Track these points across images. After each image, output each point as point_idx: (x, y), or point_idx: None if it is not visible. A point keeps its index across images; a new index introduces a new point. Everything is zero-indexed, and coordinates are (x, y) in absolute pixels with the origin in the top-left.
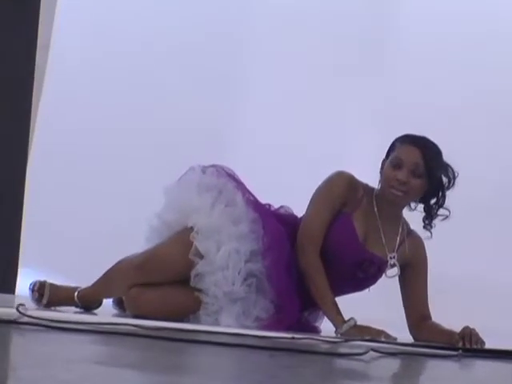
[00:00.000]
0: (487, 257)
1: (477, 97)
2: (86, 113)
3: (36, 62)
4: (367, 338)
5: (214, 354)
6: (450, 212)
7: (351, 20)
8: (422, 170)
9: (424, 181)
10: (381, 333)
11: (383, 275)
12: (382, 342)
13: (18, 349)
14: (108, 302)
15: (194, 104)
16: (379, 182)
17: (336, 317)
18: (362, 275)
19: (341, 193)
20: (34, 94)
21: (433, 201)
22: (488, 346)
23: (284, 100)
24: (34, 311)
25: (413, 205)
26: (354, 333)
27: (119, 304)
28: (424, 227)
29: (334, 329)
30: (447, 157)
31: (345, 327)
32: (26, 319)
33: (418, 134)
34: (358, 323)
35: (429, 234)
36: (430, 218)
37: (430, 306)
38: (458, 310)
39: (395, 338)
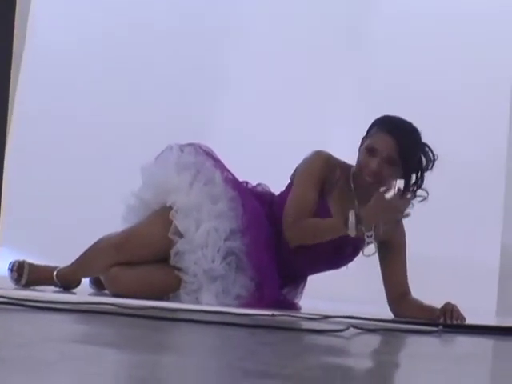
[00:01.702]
0: (463, 237)
1: (456, 75)
2: (67, 99)
3: (13, 50)
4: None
5: (194, 332)
6: (428, 194)
7: (334, 3)
8: (395, 160)
9: (397, 169)
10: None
11: (360, 253)
12: (363, 319)
13: None
14: (86, 281)
15: (176, 94)
16: (357, 160)
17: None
18: (338, 255)
19: (321, 172)
20: (11, 80)
21: (409, 183)
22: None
23: (265, 85)
24: (13, 291)
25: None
26: (371, 216)
27: (96, 283)
28: None
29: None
30: (426, 137)
31: (350, 224)
32: (3, 299)
33: (397, 115)
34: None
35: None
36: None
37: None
38: (434, 290)
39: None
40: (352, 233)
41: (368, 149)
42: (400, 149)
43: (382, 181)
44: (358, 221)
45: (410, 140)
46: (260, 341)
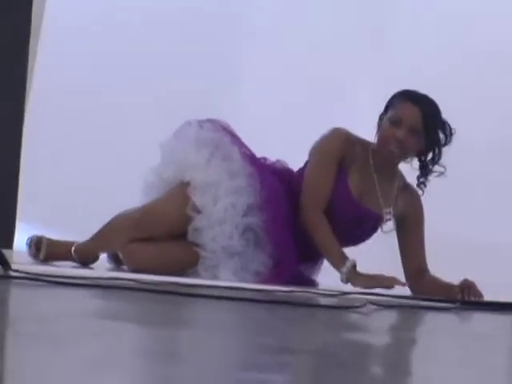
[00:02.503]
0: (483, 214)
1: (478, 72)
2: (83, 75)
3: (31, 27)
4: (375, 286)
5: (213, 308)
6: (445, 169)
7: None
8: (420, 129)
9: (421, 139)
10: (393, 280)
11: (379, 230)
12: (380, 295)
13: (16, 304)
14: (104, 257)
15: (190, 74)
16: (376, 135)
17: (341, 264)
18: (358, 231)
19: (339, 150)
20: (29, 57)
21: (429, 157)
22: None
23: (282, 68)
24: (31, 266)
25: (409, 158)
26: (362, 281)
27: (114, 258)
28: (417, 185)
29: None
30: (444, 114)
31: (343, 271)
32: (22, 274)
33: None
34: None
35: (422, 186)
36: (425, 174)
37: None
38: (453, 268)
39: (405, 283)
40: (341, 279)
41: (392, 119)
42: (424, 118)
43: (407, 151)
44: (350, 275)
45: (434, 110)
46: (279, 317)
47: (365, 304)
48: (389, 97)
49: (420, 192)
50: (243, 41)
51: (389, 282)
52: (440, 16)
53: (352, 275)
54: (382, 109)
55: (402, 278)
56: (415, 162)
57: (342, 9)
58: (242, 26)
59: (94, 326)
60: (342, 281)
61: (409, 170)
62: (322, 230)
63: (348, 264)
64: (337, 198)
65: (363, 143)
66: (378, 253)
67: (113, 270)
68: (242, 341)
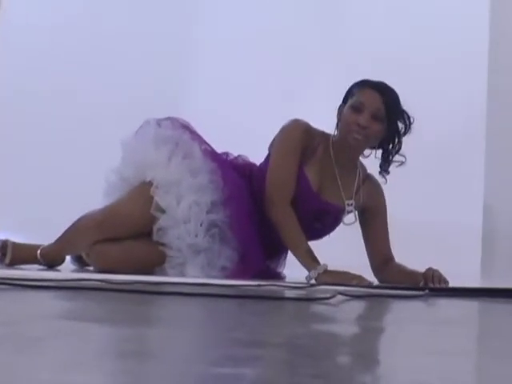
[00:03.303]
0: (445, 201)
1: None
2: (41, 75)
3: None
4: (339, 282)
5: (181, 305)
6: (405, 158)
7: None
8: (382, 114)
9: (384, 125)
10: (356, 278)
11: (341, 223)
12: (346, 286)
13: None
14: (69, 258)
15: (150, 72)
16: (336, 127)
17: (311, 264)
18: (319, 225)
19: (300, 140)
20: None
21: (389, 147)
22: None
23: (238, 60)
24: None
25: (367, 152)
26: (327, 278)
27: (78, 260)
28: (380, 173)
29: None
30: (403, 98)
31: (312, 274)
32: None
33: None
34: (334, 269)
35: (384, 180)
36: (386, 163)
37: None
38: (418, 255)
39: (371, 283)
40: (308, 279)
41: (354, 106)
42: (387, 103)
43: (370, 137)
44: (315, 277)
45: (394, 97)
46: (248, 311)
47: (334, 295)
48: (344, 86)
49: (383, 180)
50: (198, 31)
51: (355, 280)
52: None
53: (319, 276)
54: (339, 102)
55: (367, 269)
56: (373, 153)
57: None
58: (195, 15)
59: (61, 327)
60: (307, 279)
61: (368, 161)
62: (289, 226)
63: (319, 269)
64: (297, 192)
65: (323, 135)
66: (342, 245)
67: (78, 271)
68: (212, 336)
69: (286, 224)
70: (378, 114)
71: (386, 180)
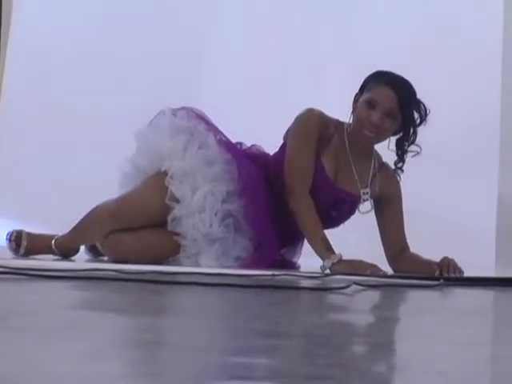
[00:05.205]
0: (461, 191)
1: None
2: (54, 67)
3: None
4: (353, 272)
5: (197, 295)
6: (420, 149)
7: None
8: (396, 111)
9: (397, 121)
10: (371, 267)
11: (357, 211)
12: (362, 276)
13: (2, 299)
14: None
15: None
16: (351, 116)
17: (325, 253)
18: (335, 213)
19: (316, 129)
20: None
21: (405, 137)
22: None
23: (251, 51)
24: (12, 261)
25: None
26: (342, 268)
27: (92, 250)
28: (395, 170)
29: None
30: (419, 93)
31: (326, 263)
32: (5, 269)
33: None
34: (350, 258)
35: (399, 171)
36: (401, 155)
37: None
38: (433, 245)
39: (386, 272)
40: (323, 268)
41: (368, 102)
42: (400, 101)
43: (382, 134)
44: (330, 266)
45: (409, 92)
46: (265, 301)
47: (349, 285)
48: (360, 75)
49: (398, 178)
50: (210, 21)
51: (369, 270)
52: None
53: (334, 265)
54: (352, 90)
55: (382, 259)
56: (391, 144)
57: None
58: (207, 7)
59: (78, 317)
60: (321, 268)
61: (385, 150)
62: (308, 214)
63: (334, 258)
64: (313, 180)
65: (337, 124)
66: (356, 235)
67: (92, 261)
68: (230, 326)
69: (305, 212)
70: (390, 111)
71: (401, 178)
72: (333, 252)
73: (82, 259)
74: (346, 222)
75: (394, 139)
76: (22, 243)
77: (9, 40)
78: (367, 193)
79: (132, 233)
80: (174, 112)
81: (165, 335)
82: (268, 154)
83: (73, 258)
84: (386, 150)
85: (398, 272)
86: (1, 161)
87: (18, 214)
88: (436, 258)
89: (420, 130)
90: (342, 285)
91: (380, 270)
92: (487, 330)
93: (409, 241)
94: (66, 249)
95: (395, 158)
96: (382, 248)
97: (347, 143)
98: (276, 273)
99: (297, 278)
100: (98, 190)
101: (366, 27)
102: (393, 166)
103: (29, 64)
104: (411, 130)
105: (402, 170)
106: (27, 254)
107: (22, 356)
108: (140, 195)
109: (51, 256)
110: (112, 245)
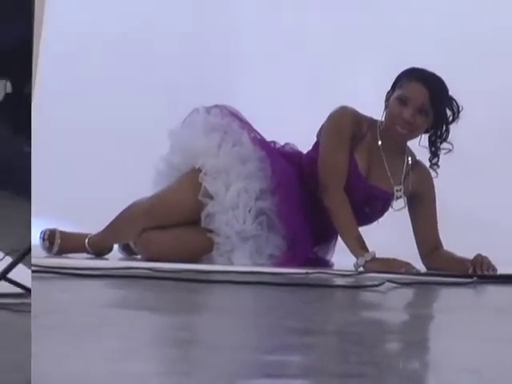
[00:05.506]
0: (494, 189)
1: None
2: (89, 68)
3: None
4: (387, 270)
5: (231, 293)
6: (453, 146)
7: None
8: (428, 108)
9: (429, 118)
10: (404, 265)
11: (390, 209)
12: (396, 273)
13: (36, 297)
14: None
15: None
16: (383, 114)
17: (359, 251)
18: (368, 210)
19: (349, 127)
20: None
21: (437, 134)
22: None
23: (280, 51)
24: (46, 259)
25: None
26: (375, 266)
27: (126, 248)
28: (430, 166)
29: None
30: (451, 92)
31: (360, 261)
32: (39, 268)
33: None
34: (384, 256)
35: (435, 167)
36: (434, 152)
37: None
38: (467, 243)
39: (419, 270)
40: (356, 266)
41: (400, 99)
42: (432, 97)
43: (415, 131)
44: (363, 264)
45: (441, 88)
46: (298, 299)
47: (383, 282)
48: (390, 72)
49: (433, 174)
50: (241, 25)
51: (403, 268)
52: None
53: (367, 263)
54: (383, 86)
55: (415, 257)
56: (423, 141)
57: None
58: (238, 12)
59: (112, 315)
60: (355, 266)
61: (417, 147)
62: (343, 211)
63: (367, 256)
64: (346, 180)
65: (370, 121)
66: (390, 233)
67: (126, 259)
68: (264, 324)
69: (340, 209)
70: (422, 108)
71: (437, 173)
72: (366, 250)
73: (115, 258)
74: (380, 220)
75: (425, 136)
76: (55, 242)
77: (41, 39)
78: (400, 190)
79: (165, 231)
80: (208, 110)
81: (199, 333)
82: (301, 153)
83: (106, 256)
84: (416, 146)
85: (432, 270)
86: (35, 160)
87: (52, 213)
88: (469, 255)
89: (453, 127)
90: (376, 283)
91: (413, 267)
92: None
93: (442, 238)
94: (99, 247)
95: (426, 154)
96: (415, 246)
97: (380, 141)
98: (310, 271)
99: (330, 276)
100: (132, 188)
101: (401, 26)
102: (426, 163)
103: (62, 64)
104: (443, 127)
105: (438, 166)
106: (60, 252)
107: (55, 354)
108: (174, 193)
109: (84, 255)
110: (145, 243)
